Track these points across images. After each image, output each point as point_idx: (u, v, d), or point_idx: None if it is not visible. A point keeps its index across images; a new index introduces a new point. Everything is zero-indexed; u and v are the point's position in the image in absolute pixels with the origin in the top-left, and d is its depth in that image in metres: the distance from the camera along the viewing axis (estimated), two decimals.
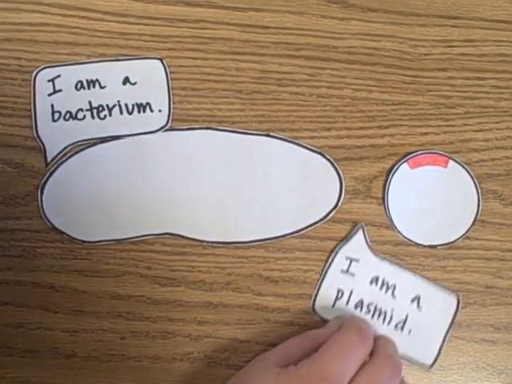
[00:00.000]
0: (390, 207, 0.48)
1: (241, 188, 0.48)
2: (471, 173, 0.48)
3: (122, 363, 0.46)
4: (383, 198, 0.48)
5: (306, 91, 0.49)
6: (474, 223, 0.48)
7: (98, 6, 0.48)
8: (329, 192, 0.48)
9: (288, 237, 0.48)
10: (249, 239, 0.48)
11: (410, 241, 0.48)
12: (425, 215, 0.48)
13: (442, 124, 0.49)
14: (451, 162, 0.48)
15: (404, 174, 0.48)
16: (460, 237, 0.48)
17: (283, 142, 0.48)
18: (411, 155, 0.48)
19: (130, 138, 0.47)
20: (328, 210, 0.48)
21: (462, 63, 0.50)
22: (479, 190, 0.48)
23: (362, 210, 0.48)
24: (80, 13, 0.48)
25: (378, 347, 0.44)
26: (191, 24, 0.49)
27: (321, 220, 0.48)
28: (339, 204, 0.48)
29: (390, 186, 0.48)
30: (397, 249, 0.48)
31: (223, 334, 0.48)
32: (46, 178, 0.47)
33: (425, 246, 0.48)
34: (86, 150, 0.47)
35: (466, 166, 0.48)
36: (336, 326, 0.45)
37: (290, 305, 0.48)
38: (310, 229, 0.48)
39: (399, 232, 0.48)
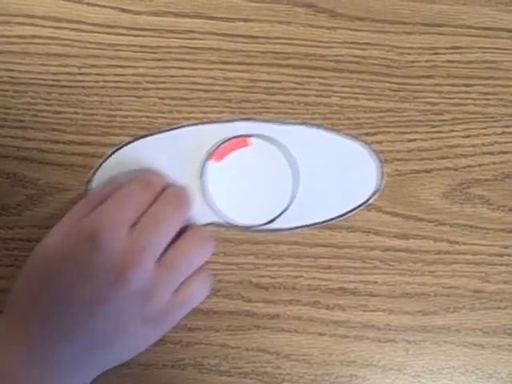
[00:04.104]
0: (215, 204, 0.48)
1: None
2: (273, 139, 0.48)
3: (113, 370, 0.46)
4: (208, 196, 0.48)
5: (294, 99, 0.50)
6: (295, 190, 0.49)
7: (88, 18, 0.49)
8: (367, 177, 0.49)
9: (331, 222, 0.49)
10: (293, 225, 0.48)
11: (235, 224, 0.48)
12: (246, 198, 0.49)
13: (429, 130, 0.50)
14: (251, 139, 0.48)
15: (213, 169, 0.48)
16: (281, 212, 0.48)
17: (320, 131, 0.49)
18: (212, 149, 0.48)
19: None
20: (369, 195, 0.49)
21: (449, 70, 0.50)
22: (289, 153, 0.48)
23: (351, 217, 0.49)
24: (70, 25, 0.49)
25: (164, 192, 0.45)
26: (180, 34, 0.49)
27: (363, 204, 0.49)
28: (380, 188, 0.49)
29: (207, 186, 0.48)
30: (385, 254, 0.49)
31: (214, 340, 0.48)
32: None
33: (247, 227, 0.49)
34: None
35: (264, 136, 0.49)
36: (116, 183, 0.45)
37: (280, 311, 0.48)
38: (351, 214, 0.49)
39: (231, 221, 0.48)
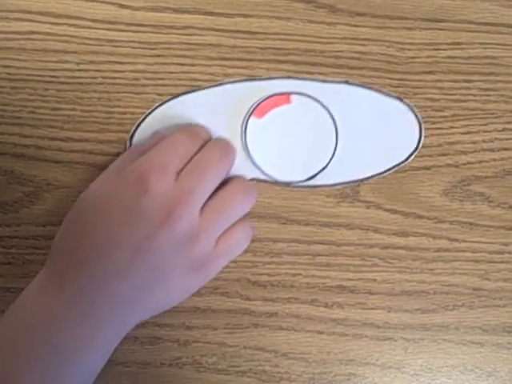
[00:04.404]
0: (256, 160, 0.48)
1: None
2: (314, 97, 0.48)
3: (110, 369, 0.46)
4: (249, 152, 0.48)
5: None
6: (336, 147, 0.48)
7: (87, 14, 0.49)
8: (408, 136, 0.49)
9: (371, 179, 0.49)
10: (333, 182, 0.49)
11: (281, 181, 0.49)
12: (287, 154, 0.49)
13: (429, 127, 0.49)
14: (293, 96, 0.48)
15: (254, 126, 0.48)
16: (322, 169, 0.48)
17: (361, 89, 0.49)
18: (254, 106, 0.48)
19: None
20: (408, 154, 0.49)
21: (449, 66, 0.50)
22: (330, 112, 0.48)
23: (349, 214, 0.49)
24: (69, 21, 0.49)
25: (210, 141, 0.46)
26: (179, 30, 0.49)
27: (402, 162, 0.49)
28: (419, 147, 0.49)
29: (248, 142, 0.48)
30: (385, 252, 0.49)
31: (211, 338, 0.48)
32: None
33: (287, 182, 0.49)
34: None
35: (305, 93, 0.48)
36: (159, 135, 0.46)
37: (278, 309, 0.48)
38: (391, 171, 0.49)
39: (272, 177, 0.49)
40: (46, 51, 0.48)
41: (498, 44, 0.50)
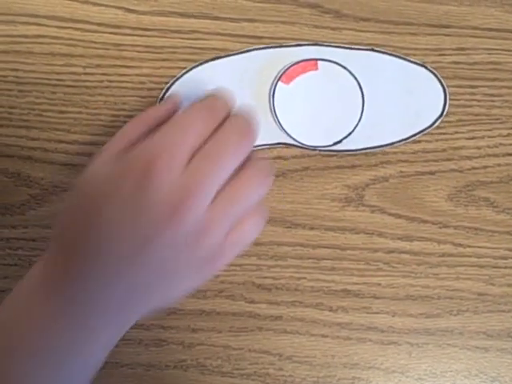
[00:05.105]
0: (283, 125, 0.48)
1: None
2: (341, 64, 0.49)
3: (115, 371, 0.46)
4: (277, 117, 0.49)
5: None
6: (362, 113, 0.49)
7: (93, 18, 0.49)
8: (433, 102, 0.49)
9: (396, 145, 0.49)
10: (358, 147, 0.49)
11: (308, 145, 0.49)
12: (314, 120, 0.49)
13: (434, 132, 0.49)
14: (320, 63, 0.49)
15: (282, 91, 0.49)
16: (348, 134, 0.49)
17: (387, 56, 0.50)
18: (282, 72, 0.49)
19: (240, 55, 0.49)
20: (434, 119, 0.49)
21: (454, 71, 0.50)
22: (357, 78, 0.49)
23: (354, 218, 0.49)
24: (75, 25, 0.49)
25: (229, 119, 0.41)
26: (185, 35, 0.49)
27: (427, 128, 0.49)
28: (444, 113, 0.49)
29: (275, 107, 0.48)
30: (389, 256, 0.49)
31: (216, 341, 0.48)
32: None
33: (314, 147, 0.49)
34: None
35: (332, 60, 0.49)
36: (172, 103, 0.43)
37: (283, 312, 0.48)
38: (417, 137, 0.49)
39: (299, 141, 0.49)
40: (52, 55, 0.49)
41: (502, 50, 0.50)
